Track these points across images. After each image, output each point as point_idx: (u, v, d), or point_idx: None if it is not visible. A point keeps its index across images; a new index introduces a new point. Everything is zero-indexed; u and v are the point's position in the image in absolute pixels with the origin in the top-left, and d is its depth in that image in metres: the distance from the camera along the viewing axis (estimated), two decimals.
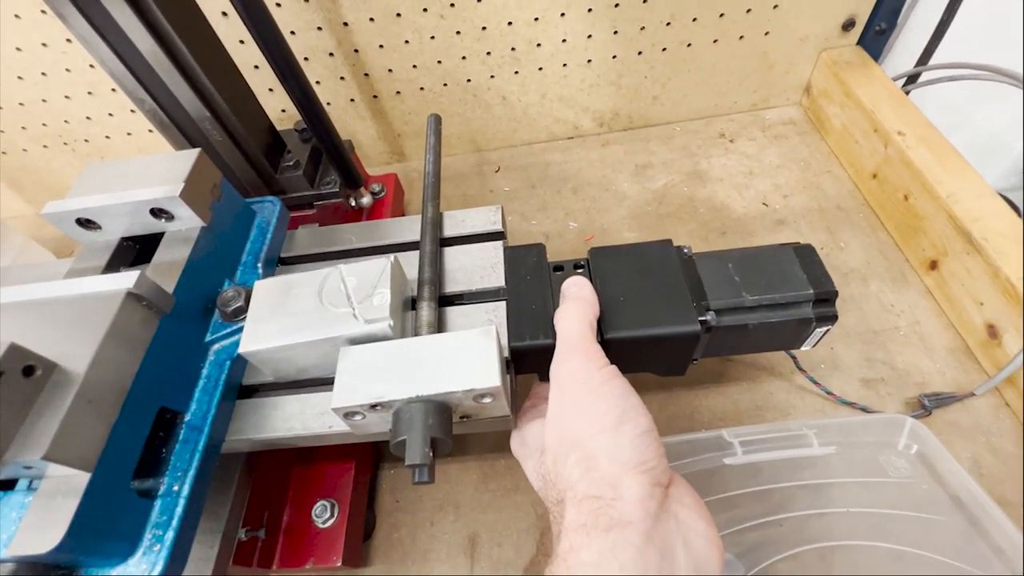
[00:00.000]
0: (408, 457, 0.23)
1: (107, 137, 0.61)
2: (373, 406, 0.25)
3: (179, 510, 0.25)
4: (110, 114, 0.58)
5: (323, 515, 0.35)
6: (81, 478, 0.22)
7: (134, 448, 0.25)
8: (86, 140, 0.61)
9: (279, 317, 0.28)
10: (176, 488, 0.26)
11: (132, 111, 0.58)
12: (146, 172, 0.32)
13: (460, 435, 0.43)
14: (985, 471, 0.37)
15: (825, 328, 0.31)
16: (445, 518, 0.40)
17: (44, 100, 0.57)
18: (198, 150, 0.32)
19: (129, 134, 0.61)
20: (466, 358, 0.25)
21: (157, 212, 0.31)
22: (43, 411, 0.22)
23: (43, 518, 0.22)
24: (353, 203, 0.51)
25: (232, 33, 0.47)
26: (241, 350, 0.27)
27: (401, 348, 0.26)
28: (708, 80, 0.59)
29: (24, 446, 0.21)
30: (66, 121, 0.59)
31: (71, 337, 0.24)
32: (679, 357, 0.32)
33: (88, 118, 0.59)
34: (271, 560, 0.34)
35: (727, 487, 0.37)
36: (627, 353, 0.31)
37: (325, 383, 0.30)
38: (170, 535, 0.24)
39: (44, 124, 0.59)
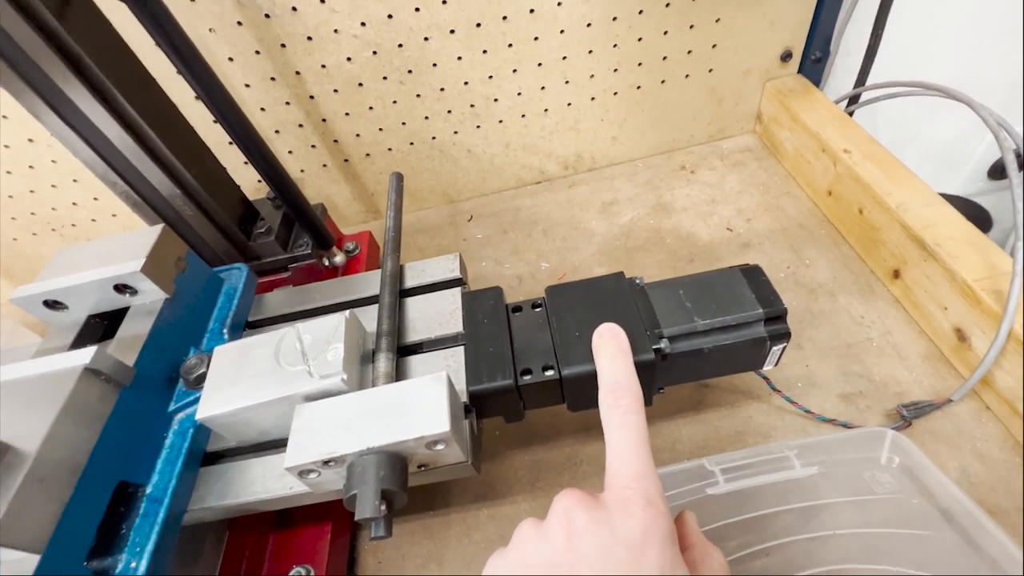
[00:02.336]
0: (359, 512, 0.23)
1: (93, 220, 0.64)
2: (326, 462, 0.25)
3: None
4: (95, 198, 0.61)
5: None
6: (31, 560, 0.22)
7: (89, 526, 0.25)
8: (73, 224, 0.64)
9: (236, 381, 0.28)
10: (134, 565, 0.25)
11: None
12: (112, 250, 0.33)
13: (441, 488, 0.42)
14: (975, 479, 0.36)
15: (781, 345, 0.32)
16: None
17: (32, 191, 0.59)
18: (161, 226, 0.34)
19: (114, 215, 0.63)
20: (417, 406, 0.25)
21: (121, 288, 0.32)
22: None
23: None
24: (327, 263, 0.52)
25: (207, 115, 0.50)
26: (199, 416, 0.27)
27: (354, 401, 0.26)
28: (663, 117, 0.62)
29: None
30: (53, 208, 0.62)
31: (26, 417, 0.25)
32: (641, 387, 0.32)
33: (74, 203, 0.61)
34: None
35: (712, 518, 0.36)
36: (587, 389, 0.31)
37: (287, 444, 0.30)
38: None
39: (33, 213, 0.62)
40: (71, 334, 0.33)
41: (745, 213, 0.57)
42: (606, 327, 0.30)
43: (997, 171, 0.83)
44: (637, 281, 0.34)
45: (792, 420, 0.41)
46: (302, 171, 0.61)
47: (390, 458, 0.25)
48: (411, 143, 0.60)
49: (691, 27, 0.54)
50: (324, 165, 0.61)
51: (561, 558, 0.21)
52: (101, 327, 0.34)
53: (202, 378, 0.31)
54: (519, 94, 0.57)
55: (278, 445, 0.30)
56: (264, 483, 0.29)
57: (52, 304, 0.32)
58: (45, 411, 0.25)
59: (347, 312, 0.31)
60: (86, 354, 0.27)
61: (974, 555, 0.32)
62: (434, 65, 0.53)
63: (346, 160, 0.61)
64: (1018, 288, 0.35)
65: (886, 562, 0.33)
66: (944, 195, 0.84)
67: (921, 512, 0.34)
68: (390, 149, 0.61)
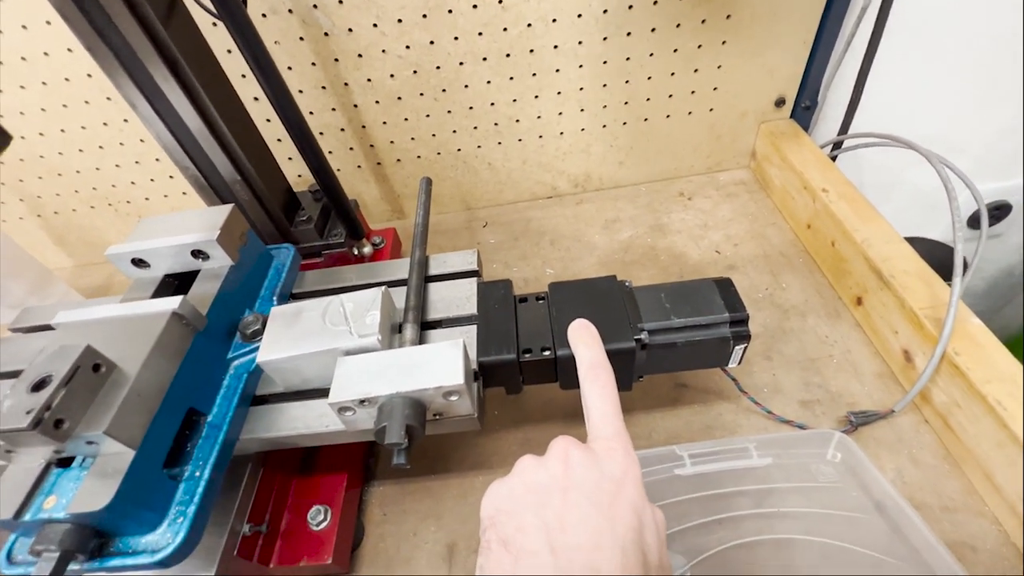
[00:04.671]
0: (388, 437, 0.29)
1: (146, 199, 0.70)
2: (362, 401, 0.31)
3: (199, 490, 0.30)
4: (151, 179, 0.68)
5: (317, 518, 0.40)
6: (127, 455, 0.28)
7: (167, 436, 0.31)
8: (128, 201, 0.71)
9: (290, 335, 0.35)
10: (197, 474, 0.31)
11: (171, 177, 0.68)
12: (188, 223, 0.40)
13: (442, 455, 0.48)
14: (908, 480, 0.41)
15: (743, 346, 0.38)
16: (427, 529, 0.44)
17: (98, 168, 0.66)
18: (231, 205, 0.40)
19: (165, 196, 0.70)
20: (437, 363, 0.31)
21: (196, 253, 0.38)
22: (104, 400, 0.28)
23: (96, 485, 0.27)
24: (356, 252, 0.59)
25: (261, 113, 0.57)
26: (259, 359, 0.34)
27: (386, 357, 0.33)
28: (666, 148, 0.69)
29: (90, 424, 0.27)
30: (113, 185, 0.69)
31: (128, 346, 0.31)
32: (622, 371, 0.38)
33: (132, 183, 0.68)
34: (269, 557, 0.38)
35: (677, 494, 0.41)
36: (576, 368, 0.37)
37: (324, 393, 0.36)
38: (191, 510, 0.30)
39: (94, 188, 0.69)
40: (150, 288, 0.39)
41: (733, 239, 0.63)
42: (579, 322, 0.35)
43: (976, 221, 0.89)
44: (626, 283, 0.40)
45: (756, 420, 0.47)
46: (338, 170, 0.68)
47: (413, 402, 0.31)
48: (438, 153, 0.67)
49: (695, 71, 0.61)
50: (359, 166, 0.68)
51: (558, 483, 0.25)
52: (173, 285, 0.40)
53: (256, 334, 0.38)
54: (539, 117, 0.64)
55: (317, 394, 0.36)
56: (305, 421, 0.35)
57: (138, 262, 0.39)
58: (142, 343, 0.31)
59: (383, 288, 0.37)
60: (174, 301, 0.33)
61: (898, 539, 0.37)
62: (465, 86, 0.60)
63: (379, 163, 0.68)
64: (952, 317, 0.41)
65: (823, 536, 0.38)
66: (924, 239, 0.90)
67: (857, 501, 0.39)
68: (419, 157, 0.67)
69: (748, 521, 0.39)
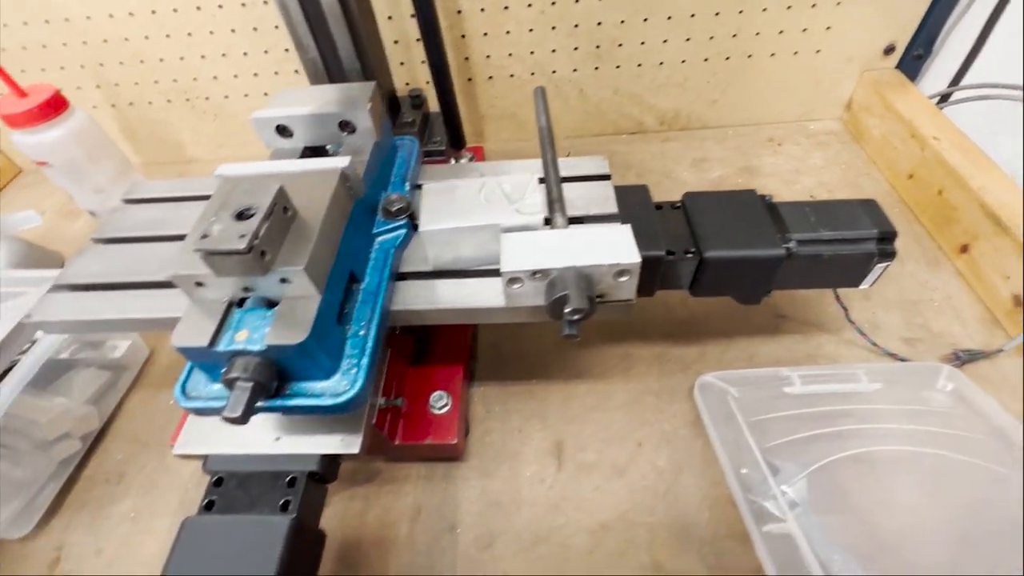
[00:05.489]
0: (571, 303, 0.29)
1: (226, 97, 0.69)
2: (534, 273, 0.31)
3: (369, 345, 0.31)
4: (235, 75, 0.66)
5: (439, 403, 0.41)
6: (312, 300, 0.28)
7: (340, 289, 0.31)
8: (207, 98, 0.69)
9: (450, 209, 0.34)
10: (362, 333, 0.32)
11: (255, 75, 0.66)
12: (330, 96, 0.39)
13: (542, 363, 0.49)
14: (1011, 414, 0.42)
15: (885, 264, 0.38)
16: (532, 427, 0.45)
17: (182, 58, 0.64)
18: (373, 82, 0.39)
19: (246, 95, 0.68)
20: (608, 242, 0.31)
21: (343, 124, 0.38)
22: (293, 242, 0.28)
23: (288, 324, 0.27)
24: (454, 161, 0.58)
25: None
26: (422, 229, 0.33)
27: (552, 235, 0.32)
28: (762, 89, 0.67)
29: (288, 261, 0.27)
30: (195, 79, 0.67)
31: (303, 199, 0.30)
32: (760, 282, 0.38)
33: (215, 78, 0.66)
34: (395, 433, 0.39)
35: (787, 409, 0.42)
36: (720, 273, 0.38)
37: (473, 275, 0.36)
38: (364, 362, 0.30)
39: (175, 80, 0.67)
40: (292, 158, 0.38)
41: (826, 186, 0.62)
42: None
43: None
44: (767, 198, 0.40)
45: (857, 352, 0.47)
46: (427, 82, 0.66)
47: (586, 277, 0.31)
48: (532, 73, 0.66)
49: (813, 6, 0.59)
50: None
51: None
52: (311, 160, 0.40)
53: (401, 211, 0.37)
54: (642, 43, 0.62)
55: (463, 274, 0.36)
56: (455, 298, 0.35)
57: (282, 130, 0.38)
58: (318, 197, 0.31)
59: (535, 174, 0.36)
60: (343, 160, 0.32)
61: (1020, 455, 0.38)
62: (576, 1, 0.58)
63: (469, 79, 0.66)
64: None
65: (937, 449, 0.39)
66: None
67: (972, 425, 0.40)
68: (512, 76, 0.66)
69: (860, 437, 0.40)
